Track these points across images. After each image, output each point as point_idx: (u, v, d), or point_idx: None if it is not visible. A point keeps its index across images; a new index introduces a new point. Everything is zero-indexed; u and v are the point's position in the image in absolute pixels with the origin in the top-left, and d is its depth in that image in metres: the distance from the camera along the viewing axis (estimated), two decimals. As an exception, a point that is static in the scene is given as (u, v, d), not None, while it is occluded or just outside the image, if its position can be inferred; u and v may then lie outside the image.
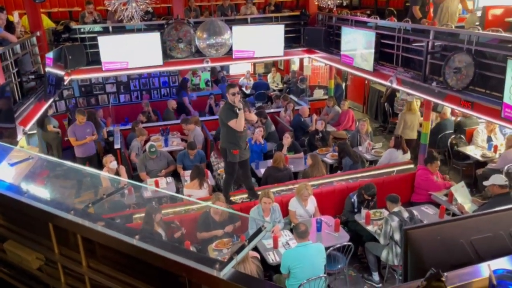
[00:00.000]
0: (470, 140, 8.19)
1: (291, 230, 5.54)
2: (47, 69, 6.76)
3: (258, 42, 9.48)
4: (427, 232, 1.81)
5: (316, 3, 9.97)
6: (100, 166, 6.77)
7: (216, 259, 1.33)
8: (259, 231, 1.51)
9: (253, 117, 5.50)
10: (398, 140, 7.30)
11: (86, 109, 9.33)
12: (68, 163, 2.27)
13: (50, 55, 7.08)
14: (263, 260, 5.00)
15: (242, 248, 1.43)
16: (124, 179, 6.61)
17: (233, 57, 9.42)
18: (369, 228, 5.55)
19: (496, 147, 7.53)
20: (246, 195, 6.27)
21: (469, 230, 1.80)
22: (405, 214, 5.18)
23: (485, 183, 5.57)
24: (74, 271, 1.78)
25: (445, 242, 1.76)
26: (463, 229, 1.82)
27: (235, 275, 1.30)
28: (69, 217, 1.59)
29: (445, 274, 1.12)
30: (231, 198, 6.11)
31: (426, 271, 1.18)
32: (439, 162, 6.43)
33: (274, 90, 13.08)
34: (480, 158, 7.48)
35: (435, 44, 6.60)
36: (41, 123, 8.69)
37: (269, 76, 14.13)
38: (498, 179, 5.36)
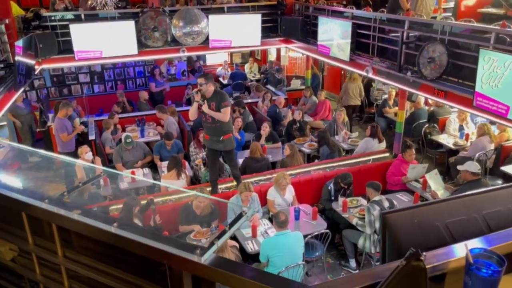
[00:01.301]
0: (443, 129, 8.40)
1: (270, 219, 5.58)
2: (17, 58, 6.52)
3: (235, 32, 9.40)
4: (404, 216, 1.84)
5: (293, -8, 9.96)
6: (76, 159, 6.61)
7: (197, 245, 1.32)
8: (239, 216, 1.50)
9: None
10: (374, 129, 7.42)
11: (58, 100, 9.08)
12: (42, 151, 2.20)
13: (19, 43, 6.82)
14: (242, 249, 5.02)
15: (222, 233, 1.42)
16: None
17: (210, 46, 9.31)
18: (347, 218, 5.59)
19: (467, 135, 7.74)
20: (224, 186, 6.28)
21: (444, 214, 1.84)
22: (386, 204, 5.26)
23: (459, 167, 5.72)
24: (50, 262, 1.73)
25: (421, 225, 1.79)
26: (439, 212, 1.85)
27: (216, 260, 1.29)
28: (43, 206, 1.54)
29: (424, 253, 1.13)
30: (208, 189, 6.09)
31: (403, 255, 1.19)
32: (413, 151, 6.54)
33: (251, 80, 13.03)
34: (452, 147, 7.68)
35: (410, 34, 6.69)
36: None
37: (247, 66, 14.07)
38: (472, 166, 5.52)
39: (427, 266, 1.16)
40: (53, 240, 1.66)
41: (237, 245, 4.99)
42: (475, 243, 1.47)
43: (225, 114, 5.46)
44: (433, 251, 1.37)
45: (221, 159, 6.87)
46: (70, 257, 1.67)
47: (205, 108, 5.45)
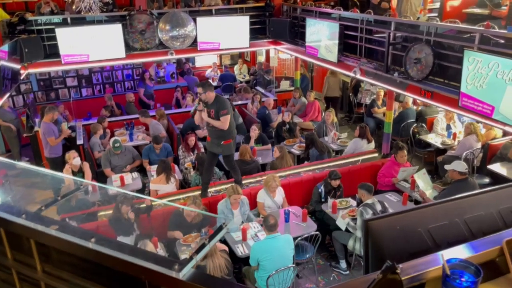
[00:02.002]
0: (431, 128, 8.46)
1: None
2: (2, 62, 6.45)
3: (223, 34, 9.39)
4: (386, 222, 1.85)
5: (281, -6, 9.97)
6: (64, 165, 6.53)
7: (175, 260, 1.31)
8: (219, 229, 1.49)
9: (216, 123, 5.52)
10: (363, 129, 7.45)
11: (45, 104, 8.99)
12: (22, 164, 2.17)
13: (5, 48, 6.75)
14: (232, 253, 5.01)
15: (202, 247, 1.41)
16: (88, 175, 6.44)
17: (198, 48, 9.28)
18: (339, 221, 5.59)
19: (455, 134, 7.81)
20: (214, 189, 6.27)
21: (426, 219, 1.85)
22: (378, 207, 5.23)
23: (446, 166, 5.75)
24: (29, 277, 1.71)
25: (404, 231, 1.80)
26: (421, 218, 1.86)
27: (195, 276, 1.28)
28: (20, 221, 1.52)
29: (400, 266, 1.14)
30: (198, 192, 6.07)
31: (386, 261, 1.20)
32: (405, 152, 6.51)
33: (241, 82, 13.02)
34: (440, 146, 7.74)
35: (396, 35, 6.74)
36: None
37: (236, 67, 14.06)
38: (460, 166, 5.55)
39: (404, 277, 1.16)
40: (32, 255, 1.64)
41: (226, 249, 4.97)
42: (455, 251, 1.48)
43: (223, 123, 5.47)
44: (410, 261, 1.37)
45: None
46: (49, 272, 1.65)
47: (204, 115, 5.51)
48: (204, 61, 14.33)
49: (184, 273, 1.27)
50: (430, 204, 1.96)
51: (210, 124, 5.60)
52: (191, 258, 1.33)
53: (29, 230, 1.51)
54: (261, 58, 13.85)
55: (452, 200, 2.00)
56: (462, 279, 1.20)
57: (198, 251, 1.37)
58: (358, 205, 5.64)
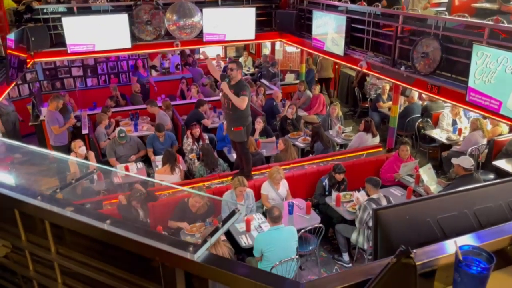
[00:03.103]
0: (436, 124, 8.44)
1: (264, 214, 5.60)
2: (9, 51, 6.46)
3: (229, 25, 9.36)
4: (395, 212, 1.85)
5: (288, -14, 9.92)
6: (69, 153, 6.57)
7: (190, 242, 1.32)
8: (232, 213, 1.51)
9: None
10: (368, 123, 7.44)
11: (51, 93, 9.01)
12: (33, 147, 2.19)
13: (11, 36, 6.76)
14: (236, 243, 5.04)
15: (216, 230, 1.42)
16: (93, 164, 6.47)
17: (204, 40, 9.27)
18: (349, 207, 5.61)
19: (460, 130, 7.79)
20: (217, 181, 6.28)
21: (435, 210, 1.85)
22: (383, 202, 5.22)
23: (453, 160, 5.73)
24: (43, 258, 1.73)
25: (413, 221, 1.81)
26: (430, 208, 1.87)
27: (209, 258, 1.30)
28: (35, 202, 1.53)
29: (414, 251, 1.15)
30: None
31: (395, 250, 1.21)
32: (407, 147, 6.50)
33: (245, 74, 12.99)
34: (445, 141, 7.73)
35: (404, 29, 6.70)
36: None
37: (241, 60, 14.02)
38: (466, 162, 5.53)
39: (417, 263, 1.17)
40: (46, 237, 1.66)
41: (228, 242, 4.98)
42: (465, 239, 1.49)
43: (242, 101, 5.35)
44: (423, 248, 1.38)
45: (215, 154, 6.87)
46: (63, 253, 1.67)
47: (224, 86, 5.37)
48: (209, 52, 14.26)
49: (199, 255, 1.28)
50: (439, 195, 1.97)
51: (225, 105, 5.54)
52: (205, 240, 1.34)
53: (45, 211, 1.53)
54: (266, 51, 13.81)
55: (461, 192, 2.00)
56: (474, 265, 1.21)
57: (212, 234, 1.38)
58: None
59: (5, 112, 8.58)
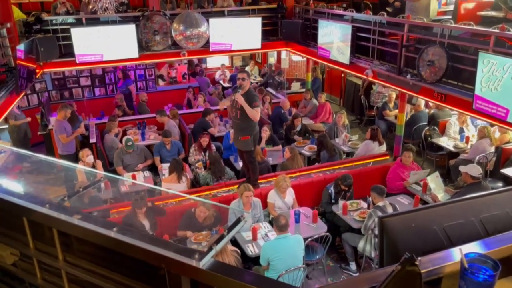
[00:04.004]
0: (443, 132, 8.40)
1: (270, 222, 5.58)
2: (18, 61, 6.56)
3: (236, 35, 9.44)
4: (401, 220, 1.85)
5: (293, -4, 10.01)
6: (77, 162, 6.62)
7: (196, 250, 1.33)
8: (238, 221, 1.52)
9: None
10: (374, 132, 7.43)
11: (60, 103, 9.11)
12: (42, 156, 2.23)
13: (21, 47, 6.87)
14: (242, 252, 5.02)
15: (221, 238, 1.43)
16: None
17: (211, 49, 9.35)
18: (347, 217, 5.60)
19: (467, 138, 7.74)
20: (223, 190, 6.29)
21: (442, 217, 1.85)
22: (389, 209, 5.19)
23: (461, 168, 5.69)
24: (51, 266, 1.75)
25: (419, 229, 1.81)
26: (436, 216, 1.86)
27: (215, 265, 1.31)
28: (44, 210, 1.56)
29: (419, 258, 1.15)
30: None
31: (401, 258, 1.21)
32: (410, 153, 6.50)
33: (251, 83, 13.03)
34: (452, 149, 7.69)
35: (409, 37, 6.72)
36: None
37: (247, 69, 14.09)
38: (474, 170, 5.48)
39: (422, 271, 1.17)
40: (53, 245, 1.68)
41: (238, 251, 4.97)
42: (471, 247, 1.49)
43: (256, 113, 5.38)
44: (428, 255, 1.38)
45: (222, 162, 6.88)
46: (70, 261, 1.69)
47: (239, 97, 5.34)
48: (215, 62, 14.40)
49: (204, 263, 1.29)
50: (445, 202, 1.96)
51: (233, 114, 5.55)
52: (210, 248, 1.35)
53: (53, 219, 1.55)
54: (272, 60, 13.88)
55: (467, 199, 2.00)
56: (480, 273, 1.20)
57: (217, 241, 1.39)
58: (369, 207, 5.63)
59: (19, 120, 8.69)
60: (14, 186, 2.15)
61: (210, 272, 1.28)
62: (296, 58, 13.07)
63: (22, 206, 1.63)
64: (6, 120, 8.48)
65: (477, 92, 5.35)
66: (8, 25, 7.56)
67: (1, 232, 1.90)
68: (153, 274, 1.46)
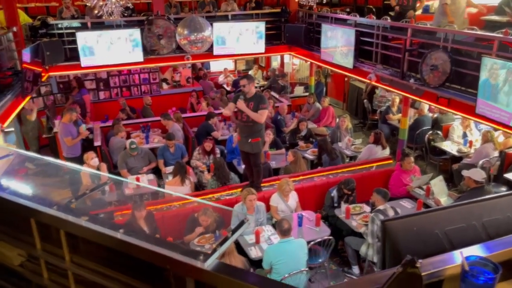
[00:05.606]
0: (446, 136, 8.39)
1: (273, 226, 5.60)
2: (24, 65, 6.63)
3: (239, 39, 9.48)
4: (403, 223, 1.87)
5: (297, 0, 10.04)
6: (81, 165, 6.66)
7: (200, 251, 1.36)
8: (241, 223, 1.54)
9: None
10: (377, 135, 7.44)
11: (64, 106, 9.18)
12: (49, 158, 2.26)
13: (27, 51, 6.94)
14: (245, 256, 5.03)
15: (225, 240, 1.46)
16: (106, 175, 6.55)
17: (214, 53, 9.41)
18: (355, 227, 5.58)
19: (471, 142, 7.74)
20: (226, 193, 6.29)
21: (443, 221, 1.86)
22: (391, 213, 5.19)
23: (464, 172, 5.69)
24: (57, 267, 1.78)
25: (420, 232, 1.82)
26: (438, 220, 1.88)
27: (219, 266, 1.33)
28: (51, 212, 1.59)
29: (420, 260, 1.17)
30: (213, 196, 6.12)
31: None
32: (412, 159, 6.50)
33: (255, 87, 13.06)
34: (456, 153, 7.68)
35: (413, 41, 6.74)
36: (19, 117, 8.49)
37: (251, 72, 14.14)
38: (477, 175, 5.47)
39: (423, 273, 1.19)
40: (60, 246, 1.70)
41: (245, 260, 4.95)
42: (473, 250, 1.51)
43: (261, 115, 5.42)
44: (429, 258, 1.40)
45: (226, 168, 6.87)
46: (77, 262, 1.71)
47: (240, 104, 5.40)
48: (218, 66, 14.47)
49: (209, 264, 1.32)
50: (447, 206, 1.98)
51: (243, 118, 5.54)
52: (215, 249, 1.38)
53: (60, 220, 1.58)
54: (276, 64, 13.92)
55: (469, 204, 2.01)
56: (483, 276, 1.22)
57: (221, 243, 1.42)
58: (371, 209, 5.63)
59: (32, 119, 8.76)
60: (22, 187, 2.18)
61: (215, 273, 1.31)
62: (299, 62, 13.10)
63: (30, 208, 1.67)
64: (19, 121, 8.53)
65: (480, 96, 5.36)
66: (14, 29, 7.64)
67: (9, 233, 1.93)
68: (158, 275, 1.49)
